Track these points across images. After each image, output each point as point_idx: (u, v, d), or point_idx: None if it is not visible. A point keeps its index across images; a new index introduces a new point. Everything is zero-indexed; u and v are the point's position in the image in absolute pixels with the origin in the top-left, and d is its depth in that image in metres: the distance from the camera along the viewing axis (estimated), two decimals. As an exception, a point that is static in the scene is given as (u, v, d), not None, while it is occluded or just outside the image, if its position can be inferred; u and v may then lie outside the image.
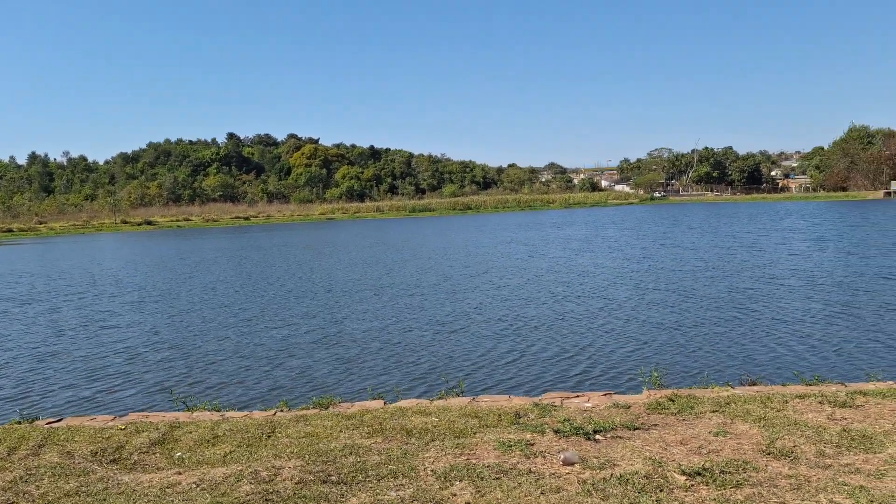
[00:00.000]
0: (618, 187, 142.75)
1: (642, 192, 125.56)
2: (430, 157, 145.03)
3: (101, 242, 60.08)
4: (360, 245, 43.11)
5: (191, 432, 6.34)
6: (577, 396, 7.11)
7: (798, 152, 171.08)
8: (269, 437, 6.14)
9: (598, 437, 5.66)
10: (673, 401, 6.58)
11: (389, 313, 16.74)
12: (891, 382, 7.16)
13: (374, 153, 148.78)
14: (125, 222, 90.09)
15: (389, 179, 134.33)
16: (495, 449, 5.44)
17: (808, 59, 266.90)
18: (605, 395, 7.19)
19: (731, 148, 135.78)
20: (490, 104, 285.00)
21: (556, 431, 5.78)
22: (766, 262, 24.17)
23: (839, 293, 16.82)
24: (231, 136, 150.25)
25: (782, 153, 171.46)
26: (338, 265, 30.00)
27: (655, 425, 5.95)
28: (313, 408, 7.32)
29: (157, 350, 13.49)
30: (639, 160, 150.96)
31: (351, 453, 5.52)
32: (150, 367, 12.09)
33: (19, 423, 7.11)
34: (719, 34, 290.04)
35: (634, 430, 5.82)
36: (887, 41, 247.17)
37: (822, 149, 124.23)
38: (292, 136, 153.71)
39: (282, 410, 7.31)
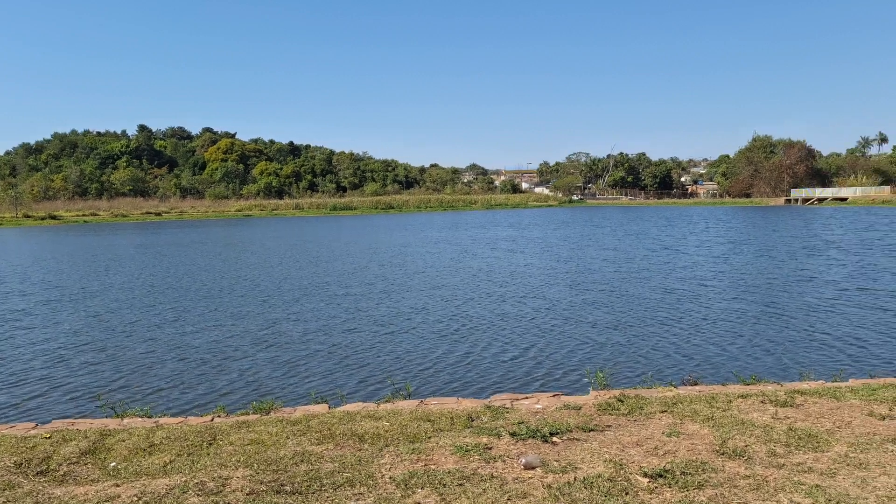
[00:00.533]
0: (537, 189, 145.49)
1: (561, 195, 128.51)
2: (351, 154, 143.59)
3: (1, 237, 56.31)
4: (286, 243, 42.11)
5: (124, 440, 5.91)
6: (527, 398, 7.06)
7: (705, 160, 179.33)
8: (210, 444, 5.79)
9: (554, 439, 5.61)
10: (622, 401, 6.62)
11: (325, 314, 16.33)
12: (823, 382, 7.47)
13: (294, 149, 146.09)
14: (27, 216, 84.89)
15: (309, 177, 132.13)
16: (453, 454, 5.30)
17: (716, 70, 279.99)
18: (553, 396, 7.18)
19: (644, 154, 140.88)
20: (413, 103, 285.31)
21: (513, 434, 5.70)
22: (689, 264, 25.12)
23: (761, 294, 17.65)
24: (143, 128, 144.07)
25: (691, 160, 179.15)
26: (265, 263, 29.16)
27: (609, 426, 5.96)
28: (254, 413, 7.00)
29: (80, 352, 12.64)
30: (557, 163, 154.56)
31: (302, 461, 5.26)
32: (73, 370, 11.30)
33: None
34: (633, 42, 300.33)
35: (589, 431, 5.80)
36: (786, 57, 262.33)
37: (728, 157, 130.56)
38: (207, 129, 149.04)
39: (220, 416, 6.95)
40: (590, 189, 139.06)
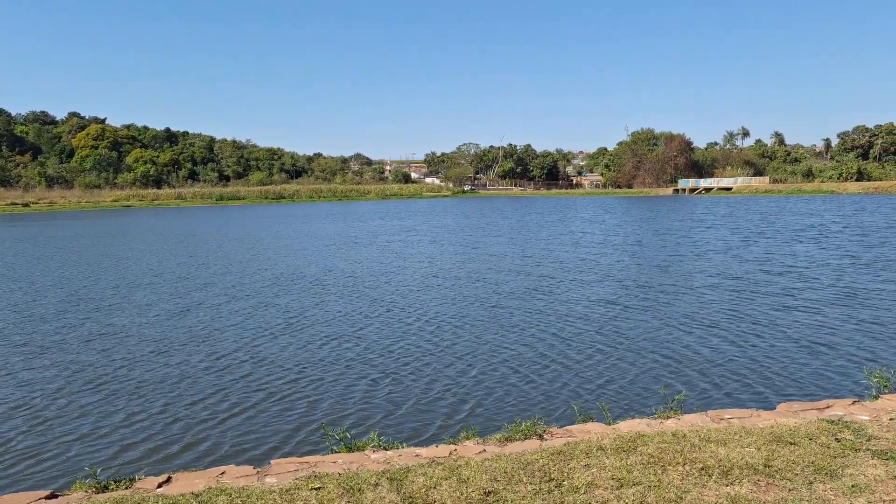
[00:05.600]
0: (427, 179, 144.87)
1: (452, 185, 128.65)
2: (234, 142, 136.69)
3: None
4: (180, 234, 38.65)
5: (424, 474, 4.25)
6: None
7: (582, 151, 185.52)
8: None
9: None
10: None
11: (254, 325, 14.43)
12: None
13: (171, 136, 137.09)
14: None
15: (189, 165, 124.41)
16: None
17: (591, 66, 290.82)
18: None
19: (530, 145, 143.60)
20: (298, 91, 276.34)
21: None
22: (643, 262, 24.84)
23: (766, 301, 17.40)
24: (0, 112, 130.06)
25: (569, 152, 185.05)
26: (161, 258, 26.27)
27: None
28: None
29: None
30: (444, 154, 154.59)
31: None
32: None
33: None
34: (517, 38, 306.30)
35: None
36: (659, 53, 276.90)
37: (606, 149, 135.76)
38: (74, 114, 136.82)
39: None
40: (480, 179, 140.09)
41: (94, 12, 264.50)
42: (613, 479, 4.59)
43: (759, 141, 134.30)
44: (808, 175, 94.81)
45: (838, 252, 22.75)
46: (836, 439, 5.30)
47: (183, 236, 37.45)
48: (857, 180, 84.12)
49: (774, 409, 6.84)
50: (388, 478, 4.88)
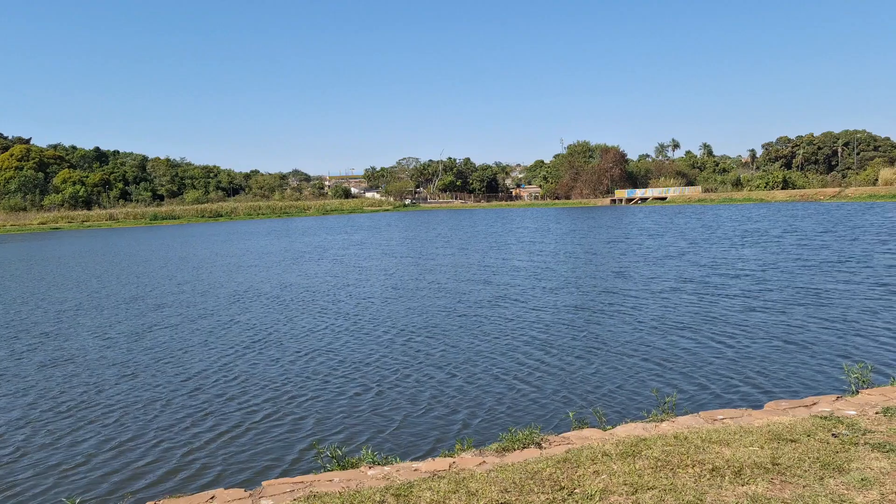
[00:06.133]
0: (368, 194, 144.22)
1: (392, 199, 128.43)
2: (167, 160, 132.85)
3: None
4: (119, 255, 37.13)
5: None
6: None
7: (519, 164, 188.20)
8: None
9: None
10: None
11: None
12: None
13: (101, 155, 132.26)
14: None
15: (121, 185, 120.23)
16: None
17: (527, 78, 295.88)
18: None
19: (469, 159, 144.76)
20: (233, 107, 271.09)
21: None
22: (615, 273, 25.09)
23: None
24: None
25: (508, 164, 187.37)
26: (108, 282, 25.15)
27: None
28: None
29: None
30: (384, 168, 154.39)
31: None
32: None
33: None
34: (454, 53, 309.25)
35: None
36: (591, 67, 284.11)
37: (543, 162, 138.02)
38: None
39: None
40: (420, 193, 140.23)
41: (14, 25, 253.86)
42: (626, 484, 4.50)
43: (688, 152, 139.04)
44: (737, 184, 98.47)
45: (785, 256, 23.54)
46: (834, 435, 5.37)
47: (122, 257, 36.00)
48: (782, 188, 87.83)
49: (762, 407, 6.90)
50: (392, 494, 4.68)
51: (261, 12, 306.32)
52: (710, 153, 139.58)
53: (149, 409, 9.16)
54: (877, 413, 6.09)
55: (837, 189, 78.06)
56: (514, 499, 4.42)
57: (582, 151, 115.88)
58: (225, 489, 5.27)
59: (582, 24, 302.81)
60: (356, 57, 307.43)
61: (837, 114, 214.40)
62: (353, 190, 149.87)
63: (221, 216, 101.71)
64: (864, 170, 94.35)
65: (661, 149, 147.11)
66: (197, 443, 7.86)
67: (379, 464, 5.74)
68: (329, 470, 5.70)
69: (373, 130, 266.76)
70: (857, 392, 7.08)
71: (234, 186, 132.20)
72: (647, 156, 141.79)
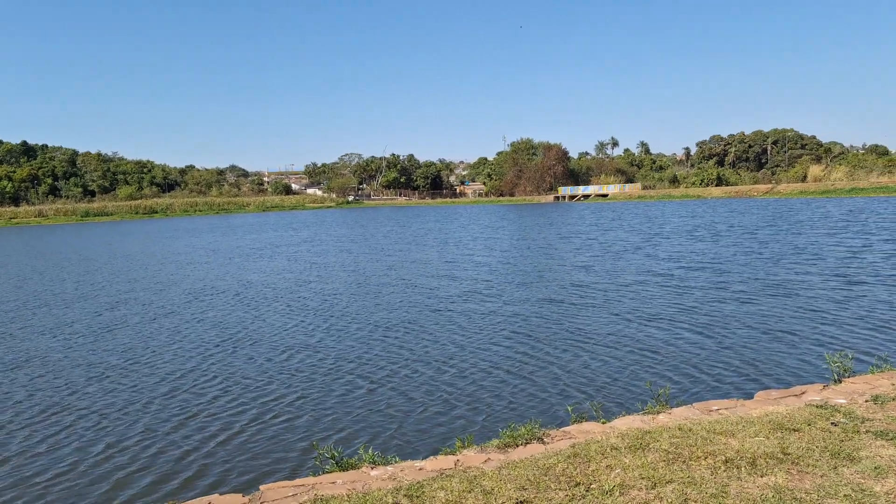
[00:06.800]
0: (309, 191, 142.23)
1: (335, 196, 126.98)
2: (99, 155, 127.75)
3: None
4: (54, 252, 35.39)
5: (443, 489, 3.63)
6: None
7: (462, 161, 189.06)
8: None
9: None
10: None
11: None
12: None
13: (29, 150, 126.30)
14: None
15: (50, 180, 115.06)
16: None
17: (470, 74, 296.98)
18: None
19: (413, 155, 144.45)
20: (167, 100, 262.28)
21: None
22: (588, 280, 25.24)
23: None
24: None
25: (451, 161, 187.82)
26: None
27: None
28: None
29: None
30: (325, 164, 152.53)
31: None
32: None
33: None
34: (397, 49, 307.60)
35: None
36: (533, 64, 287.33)
37: (486, 159, 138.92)
38: None
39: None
40: (364, 190, 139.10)
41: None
42: (643, 478, 4.44)
43: (627, 150, 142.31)
44: (674, 181, 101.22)
45: (738, 249, 24.21)
46: (833, 423, 5.42)
47: (61, 255, 34.32)
48: (716, 185, 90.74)
49: (752, 397, 6.99)
50: (404, 495, 4.52)
51: (193, 12, 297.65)
52: (647, 151, 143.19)
53: (128, 411, 8.66)
54: (867, 401, 6.20)
55: (770, 186, 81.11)
56: (532, 496, 4.30)
57: (525, 149, 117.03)
58: (220, 495, 5.05)
59: (522, 23, 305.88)
60: (295, 51, 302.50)
61: (767, 113, 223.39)
62: (294, 186, 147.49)
63: (157, 213, 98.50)
64: (793, 167, 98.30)
65: (601, 147, 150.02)
66: (185, 447, 7.45)
67: (380, 464, 5.53)
68: (328, 471, 5.46)
69: (314, 126, 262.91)
70: (840, 381, 7.21)
71: (169, 182, 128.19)
72: (588, 153, 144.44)
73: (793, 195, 71.75)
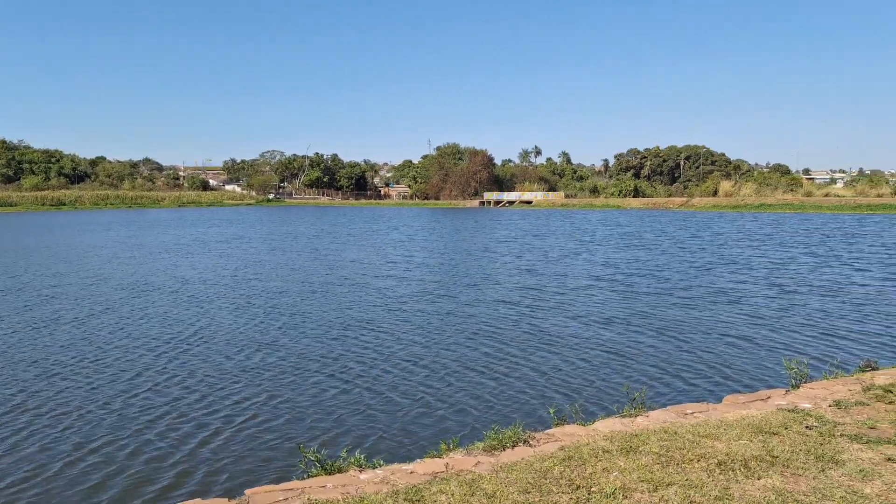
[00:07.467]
0: (228, 187, 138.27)
1: (255, 193, 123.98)
2: (3, 142, 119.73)
3: None
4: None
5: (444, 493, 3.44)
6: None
7: (387, 163, 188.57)
8: None
9: None
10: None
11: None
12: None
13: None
14: None
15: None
16: None
17: (396, 76, 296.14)
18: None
19: (337, 155, 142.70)
20: (78, 87, 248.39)
21: None
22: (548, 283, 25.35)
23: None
24: None
25: (376, 163, 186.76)
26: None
27: None
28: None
29: None
30: (244, 161, 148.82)
31: None
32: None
33: None
34: (321, 46, 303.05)
35: None
36: (459, 69, 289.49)
37: (411, 162, 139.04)
38: None
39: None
40: (285, 188, 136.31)
41: None
42: (642, 480, 4.49)
43: (549, 159, 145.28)
44: (595, 191, 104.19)
45: (671, 257, 25.10)
46: (808, 427, 5.62)
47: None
48: (634, 197, 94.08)
49: (720, 400, 7.22)
50: (404, 499, 4.41)
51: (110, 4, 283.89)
52: (568, 161, 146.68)
53: (90, 410, 8.08)
54: (830, 406, 6.46)
55: (685, 199, 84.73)
56: (536, 500, 4.27)
57: (451, 153, 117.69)
58: (203, 500, 4.79)
59: (448, 29, 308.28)
60: (216, 45, 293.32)
61: (680, 129, 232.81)
62: (212, 182, 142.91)
63: (65, 205, 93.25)
64: (705, 182, 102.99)
65: (525, 155, 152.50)
66: (155, 451, 7.00)
67: (368, 467, 5.36)
68: (314, 475, 5.25)
69: (234, 121, 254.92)
70: (799, 386, 7.51)
71: (78, 173, 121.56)
72: (511, 161, 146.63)
73: (706, 208, 75.16)
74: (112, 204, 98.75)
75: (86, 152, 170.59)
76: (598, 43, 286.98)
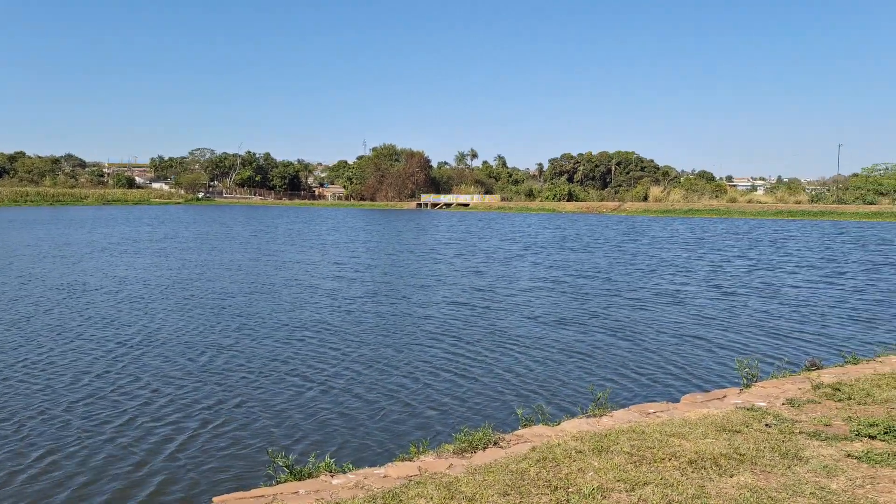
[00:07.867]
0: (155, 185, 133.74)
1: (184, 192, 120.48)
2: None
3: None
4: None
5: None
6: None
7: (321, 164, 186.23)
8: None
9: None
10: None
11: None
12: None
13: None
14: None
15: None
16: None
17: (330, 76, 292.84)
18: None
19: (270, 154, 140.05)
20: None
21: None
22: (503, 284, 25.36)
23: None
24: None
25: (310, 163, 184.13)
26: None
27: None
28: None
29: None
30: (172, 158, 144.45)
31: None
32: None
33: None
34: (253, 43, 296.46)
35: None
36: (395, 70, 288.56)
37: (346, 162, 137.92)
38: None
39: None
40: (215, 187, 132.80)
41: None
42: (619, 480, 4.57)
43: (485, 163, 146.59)
44: (530, 194, 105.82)
45: (613, 260, 25.72)
46: (767, 425, 5.82)
47: None
48: (568, 200, 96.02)
49: (678, 400, 7.45)
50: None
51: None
52: (504, 164, 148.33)
53: (27, 421, 7.63)
54: (783, 404, 6.70)
55: (618, 203, 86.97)
56: (516, 501, 4.30)
57: (388, 154, 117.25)
58: None
59: (383, 31, 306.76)
60: (142, 38, 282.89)
61: (611, 135, 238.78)
62: (138, 180, 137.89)
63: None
64: (635, 187, 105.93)
65: (462, 157, 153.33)
66: (104, 460, 6.65)
67: (338, 472, 5.29)
68: (282, 481, 5.14)
69: (161, 117, 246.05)
70: (751, 385, 7.80)
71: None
72: (447, 163, 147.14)
73: (638, 213, 77.37)
74: (32, 201, 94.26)
75: (4, 147, 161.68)
76: (533, 49, 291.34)
